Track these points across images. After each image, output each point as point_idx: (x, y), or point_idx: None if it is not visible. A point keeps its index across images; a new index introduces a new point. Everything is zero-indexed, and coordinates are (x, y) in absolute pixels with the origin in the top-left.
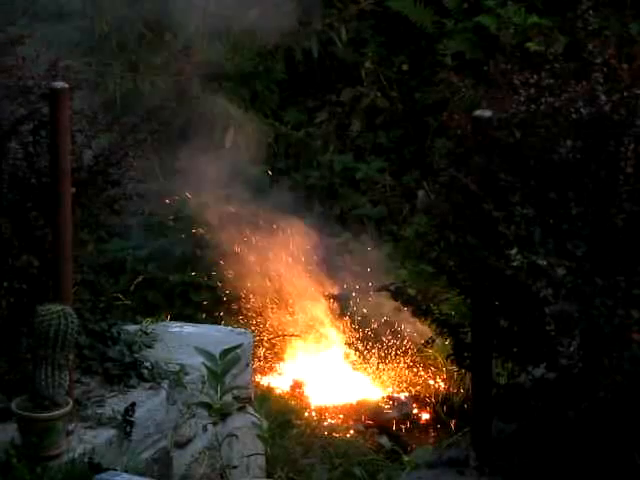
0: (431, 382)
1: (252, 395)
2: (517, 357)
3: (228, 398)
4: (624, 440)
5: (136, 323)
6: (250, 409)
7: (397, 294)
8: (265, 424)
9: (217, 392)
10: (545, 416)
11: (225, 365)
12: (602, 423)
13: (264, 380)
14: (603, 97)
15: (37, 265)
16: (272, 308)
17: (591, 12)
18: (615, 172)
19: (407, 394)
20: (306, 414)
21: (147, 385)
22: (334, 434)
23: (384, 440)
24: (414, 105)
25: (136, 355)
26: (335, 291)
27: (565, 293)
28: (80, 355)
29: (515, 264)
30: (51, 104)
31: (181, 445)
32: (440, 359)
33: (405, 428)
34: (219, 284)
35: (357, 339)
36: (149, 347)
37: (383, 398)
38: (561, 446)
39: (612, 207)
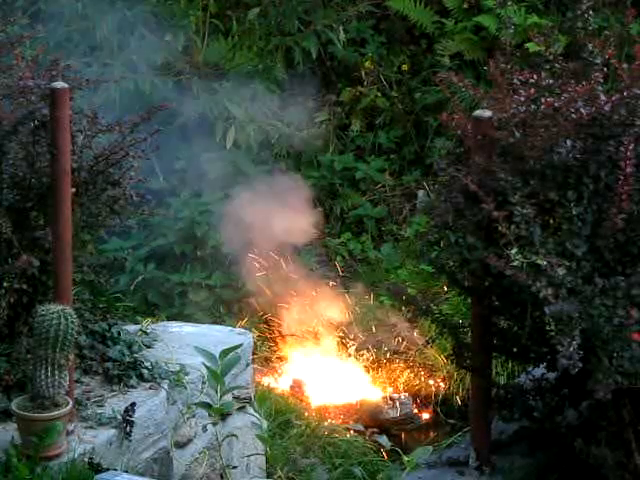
0: (431, 382)
1: (252, 395)
2: (517, 357)
3: (228, 398)
4: (624, 439)
5: (136, 323)
6: (250, 409)
7: (397, 294)
8: (265, 424)
9: (217, 392)
10: (545, 416)
11: (225, 365)
12: (602, 423)
13: (264, 380)
14: (603, 97)
15: (37, 265)
16: (272, 308)
17: (591, 12)
18: (615, 172)
19: (407, 394)
20: (306, 414)
21: (147, 385)
22: (334, 434)
23: (384, 440)
24: (414, 105)
25: (136, 355)
26: (335, 291)
27: (565, 293)
28: (80, 355)
29: (515, 264)
30: (51, 104)
31: (181, 445)
32: (440, 359)
33: (405, 428)
34: (219, 284)
35: (357, 339)
36: (149, 347)
37: (383, 398)
38: (561, 446)
39: (612, 207)
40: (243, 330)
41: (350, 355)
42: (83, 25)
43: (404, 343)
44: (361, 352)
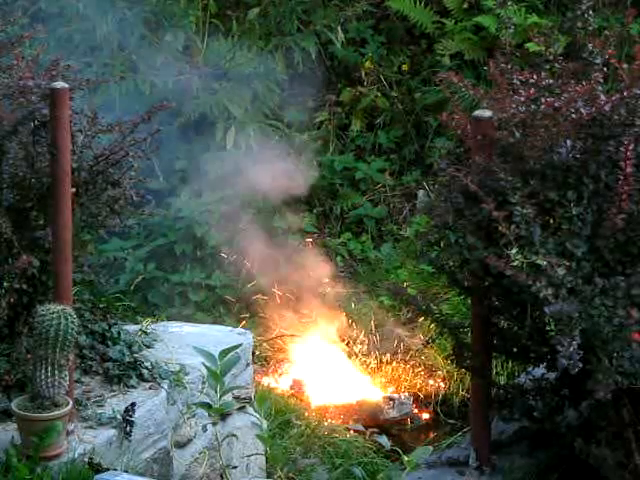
0: (431, 382)
1: (252, 395)
2: (517, 357)
3: (228, 398)
4: (624, 439)
5: (136, 323)
6: (250, 409)
7: (397, 294)
8: (265, 424)
9: (217, 392)
10: (545, 416)
11: (225, 365)
12: (602, 423)
13: (264, 380)
14: (603, 97)
15: (37, 265)
16: (272, 308)
17: (591, 12)
18: (615, 172)
19: (407, 394)
20: (306, 414)
21: (147, 385)
22: (334, 434)
23: (384, 440)
24: (414, 105)
25: (136, 355)
26: (335, 291)
27: (565, 293)
28: (80, 355)
29: (515, 264)
30: (51, 104)
31: (181, 445)
32: (440, 359)
33: (405, 428)
34: (219, 284)
35: (357, 339)
36: (149, 347)
37: (383, 398)
38: (561, 446)
39: (612, 207)
40: (243, 330)
41: (350, 355)
42: (83, 25)
43: (404, 343)
44: (361, 352)
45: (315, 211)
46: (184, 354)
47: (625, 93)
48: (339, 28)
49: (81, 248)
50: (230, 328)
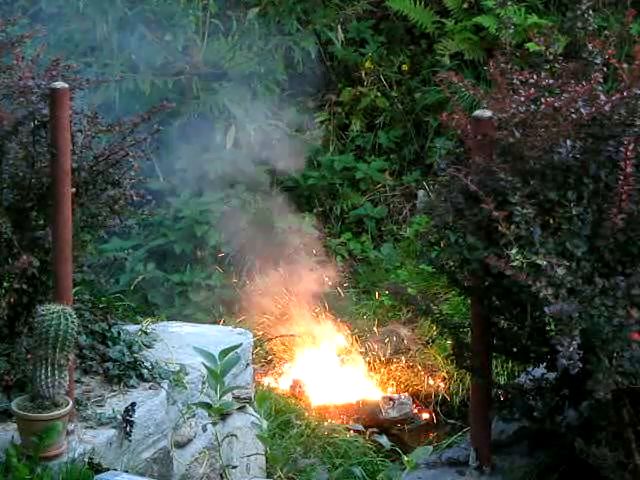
0: (431, 382)
1: (252, 395)
2: (517, 357)
3: (228, 398)
4: (624, 439)
5: (136, 323)
6: (250, 409)
7: (397, 294)
8: (265, 424)
9: (217, 392)
10: (545, 416)
11: (225, 365)
12: (602, 423)
13: (264, 380)
14: (603, 97)
15: (37, 265)
16: (272, 308)
17: (591, 12)
18: (615, 172)
19: (407, 394)
20: (306, 414)
21: (147, 385)
22: (334, 434)
23: (384, 440)
24: (414, 105)
25: (136, 355)
26: (335, 291)
27: (565, 293)
28: (80, 355)
29: (515, 264)
30: (51, 104)
31: (181, 445)
32: (440, 359)
33: (405, 428)
34: (219, 284)
35: (357, 339)
36: (149, 347)
37: (383, 398)
38: (561, 446)
39: (612, 207)
40: (243, 330)
41: (350, 355)
42: (83, 25)
43: (404, 343)
44: (361, 352)
45: (315, 211)
46: (184, 354)
47: (625, 93)
48: (339, 28)
49: (81, 248)
50: (230, 328)
